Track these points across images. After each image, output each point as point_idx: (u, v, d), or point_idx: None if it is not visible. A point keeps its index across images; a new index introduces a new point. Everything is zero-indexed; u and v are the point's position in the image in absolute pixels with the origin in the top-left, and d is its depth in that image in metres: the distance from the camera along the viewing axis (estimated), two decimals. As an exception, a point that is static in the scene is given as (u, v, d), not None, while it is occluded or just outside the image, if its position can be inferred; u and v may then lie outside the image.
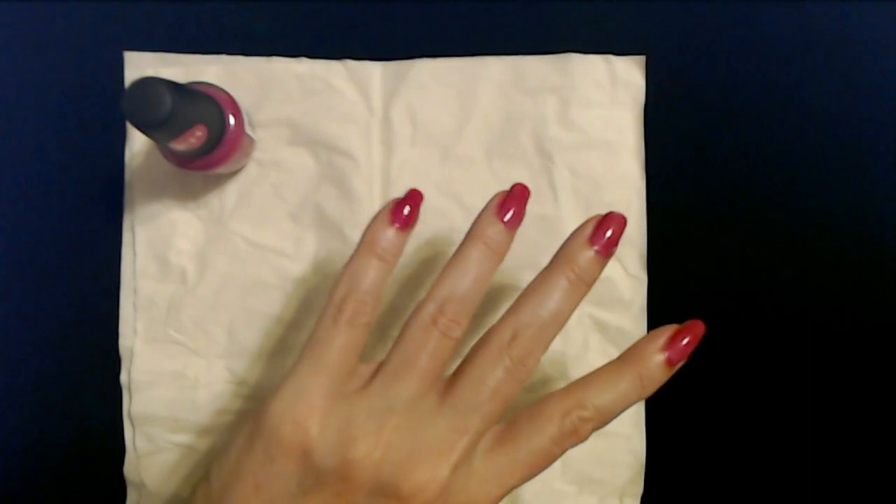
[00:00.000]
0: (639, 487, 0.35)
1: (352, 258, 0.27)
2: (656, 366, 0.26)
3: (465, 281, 0.27)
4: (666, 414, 0.36)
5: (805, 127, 0.36)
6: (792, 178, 0.36)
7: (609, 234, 0.27)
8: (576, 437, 0.26)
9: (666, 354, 0.27)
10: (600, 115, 0.36)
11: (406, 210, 0.28)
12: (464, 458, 0.25)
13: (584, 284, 0.27)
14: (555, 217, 0.35)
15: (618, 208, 0.35)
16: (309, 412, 0.25)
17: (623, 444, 0.35)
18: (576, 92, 0.35)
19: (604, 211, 0.35)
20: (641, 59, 0.36)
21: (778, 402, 0.36)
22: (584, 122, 0.35)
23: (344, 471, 0.24)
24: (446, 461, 0.25)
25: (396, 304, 0.36)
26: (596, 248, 0.27)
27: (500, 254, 0.27)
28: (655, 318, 0.36)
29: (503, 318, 0.27)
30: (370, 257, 0.27)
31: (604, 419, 0.26)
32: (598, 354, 0.35)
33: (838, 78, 0.36)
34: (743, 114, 0.36)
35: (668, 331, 0.27)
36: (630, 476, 0.35)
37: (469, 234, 0.28)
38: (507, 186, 0.35)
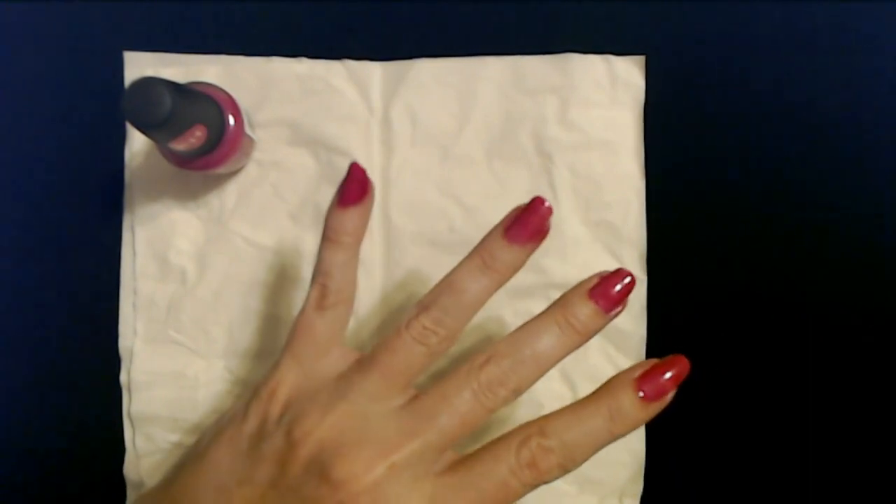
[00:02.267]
0: (638, 487, 0.35)
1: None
2: (629, 402, 0.25)
3: (451, 293, 0.26)
4: (666, 414, 0.36)
5: (805, 127, 0.36)
6: (792, 178, 0.36)
7: (615, 291, 0.25)
8: (535, 470, 0.24)
9: (640, 392, 0.25)
10: (600, 115, 0.36)
11: (351, 189, 0.28)
12: (407, 464, 0.24)
13: (577, 334, 0.25)
14: (555, 217, 0.35)
15: (618, 208, 0.35)
16: (279, 382, 0.27)
17: (622, 444, 0.35)
18: (576, 92, 0.35)
19: (603, 210, 0.35)
20: (641, 59, 0.36)
21: (778, 401, 0.36)
22: (584, 122, 0.35)
23: (288, 441, 0.25)
24: (385, 459, 0.24)
25: (395, 303, 0.36)
26: (595, 301, 0.25)
27: (499, 272, 0.26)
28: (655, 318, 0.36)
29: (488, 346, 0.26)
30: (325, 243, 0.28)
31: (570, 456, 0.24)
32: (598, 354, 0.35)
33: (838, 78, 0.36)
34: (743, 114, 0.36)
35: (645, 365, 0.25)
36: (630, 476, 0.35)
37: (473, 249, 0.27)
38: (507, 186, 0.36)
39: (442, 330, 0.26)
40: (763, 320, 0.36)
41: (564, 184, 0.35)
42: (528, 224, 0.26)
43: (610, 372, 0.35)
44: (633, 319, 0.35)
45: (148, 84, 0.26)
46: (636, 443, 0.35)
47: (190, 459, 0.28)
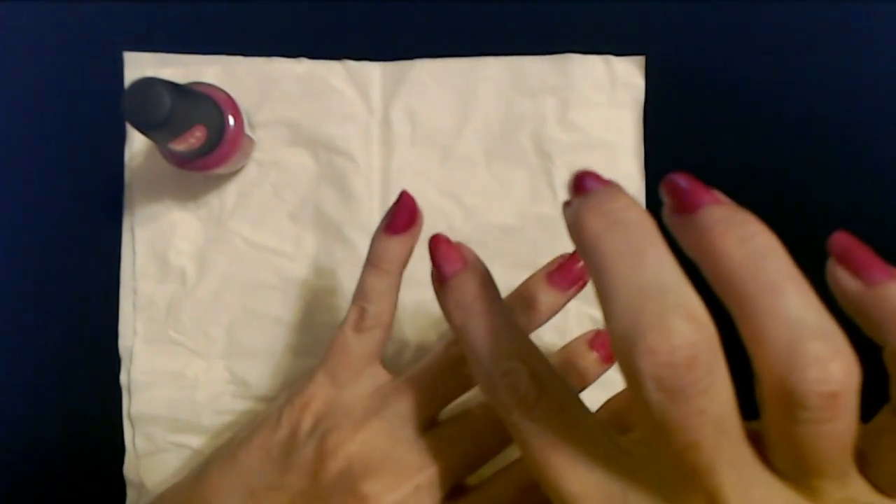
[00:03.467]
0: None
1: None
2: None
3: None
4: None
5: (805, 127, 0.36)
6: (792, 178, 0.36)
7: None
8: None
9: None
10: (600, 115, 0.36)
11: (399, 217, 0.29)
12: (429, 486, 0.25)
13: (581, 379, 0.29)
14: (554, 218, 0.35)
15: (617, 208, 0.35)
16: (312, 396, 0.27)
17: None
18: (575, 92, 0.35)
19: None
20: (641, 59, 0.36)
21: (778, 402, 0.36)
22: (584, 123, 0.35)
23: (319, 453, 0.26)
24: (411, 479, 0.25)
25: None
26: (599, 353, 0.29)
27: (543, 314, 0.28)
28: (655, 319, 0.36)
29: None
30: (368, 268, 0.28)
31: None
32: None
33: (838, 78, 0.36)
34: (742, 114, 0.36)
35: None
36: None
37: (515, 292, 0.29)
38: (506, 187, 0.36)
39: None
40: (763, 320, 0.36)
41: (564, 184, 0.35)
42: (571, 271, 0.28)
43: (610, 373, 0.35)
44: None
45: (148, 84, 0.26)
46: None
47: (220, 459, 0.28)
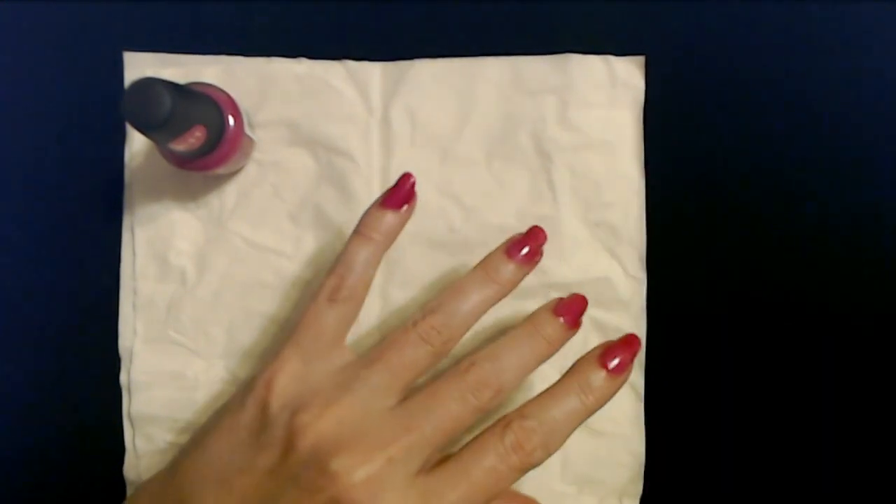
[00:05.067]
0: (638, 488, 0.35)
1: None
2: (597, 378, 0.27)
3: (458, 298, 0.28)
4: (666, 414, 0.36)
5: (805, 127, 0.36)
6: (792, 178, 0.36)
7: (573, 308, 0.29)
8: (521, 452, 0.26)
9: (605, 367, 0.28)
10: (600, 115, 0.36)
11: (396, 193, 0.29)
12: (401, 458, 0.25)
13: (548, 345, 0.28)
14: (554, 217, 0.35)
15: (617, 208, 0.35)
16: (277, 371, 0.27)
17: (622, 444, 0.35)
18: (575, 92, 0.35)
19: (603, 211, 0.35)
20: (641, 59, 0.36)
21: (778, 402, 0.36)
22: (584, 123, 0.35)
23: (289, 431, 0.26)
24: (382, 452, 0.25)
25: (394, 302, 0.36)
26: (563, 318, 0.29)
27: (503, 285, 0.29)
28: (655, 319, 0.36)
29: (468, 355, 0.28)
30: (356, 237, 0.29)
31: (550, 434, 0.26)
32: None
33: (838, 78, 0.36)
34: (742, 114, 0.36)
35: (605, 344, 0.28)
36: (630, 476, 0.35)
37: (479, 263, 0.29)
38: (506, 187, 0.36)
39: (447, 332, 0.28)
40: (763, 320, 0.36)
41: (564, 184, 0.35)
42: (527, 246, 0.29)
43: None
44: (632, 320, 0.35)
45: (148, 85, 0.26)
46: (636, 444, 0.35)
47: (189, 450, 0.28)
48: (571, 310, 0.29)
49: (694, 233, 0.36)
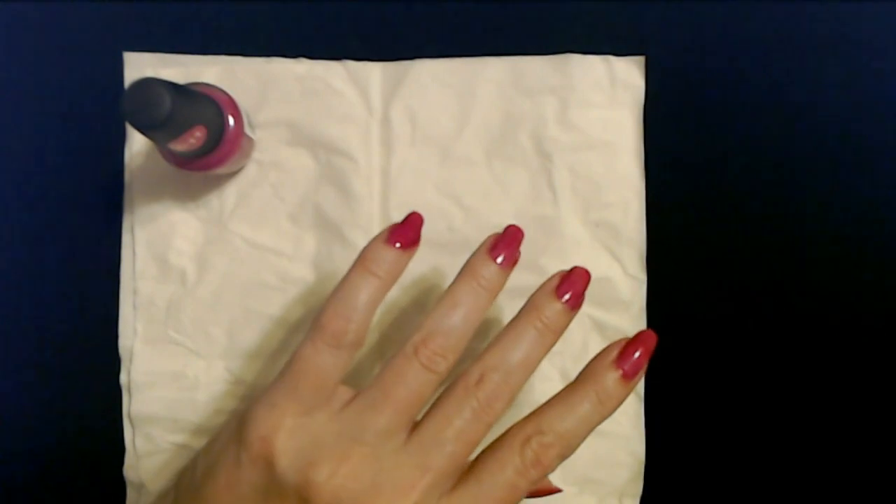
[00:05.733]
0: (638, 488, 0.35)
1: (344, 277, 0.27)
2: (612, 382, 0.26)
3: (453, 316, 0.26)
4: (666, 414, 0.36)
5: (805, 127, 0.36)
6: (792, 178, 0.36)
7: (574, 289, 0.27)
8: (539, 467, 0.25)
9: (620, 371, 0.26)
10: (600, 115, 0.36)
11: (406, 231, 0.28)
12: (424, 498, 0.25)
13: (552, 333, 0.27)
14: (554, 217, 0.35)
15: (617, 208, 0.35)
16: (276, 428, 0.25)
17: (622, 444, 0.35)
18: (575, 93, 0.35)
19: (603, 211, 0.35)
20: (641, 59, 0.36)
21: (778, 401, 0.36)
22: (584, 123, 0.35)
23: (304, 490, 0.24)
24: (405, 499, 0.24)
25: (395, 304, 0.36)
26: (564, 299, 0.27)
27: (492, 291, 0.27)
28: (655, 319, 0.36)
29: (472, 363, 0.27)
30: (362, 272, 0.27)
31: (568, 444, 0.26)
32: (597, 355, 0.36)
33: (838, 78, 0.36)
34: (742, 114, 0.36)
35: (618, 346, 0.27)
36: (629, 477, 0.35)
37: (462, 271, 0.28)
38: (506, 187, 0.36)
39: (450, 355, 0.26)
40: (763, 320, 0.36)
41: (564, 184, 0.35)
42: (507, 245, 0.28)
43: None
44: (632, 320, 0.35)
45: (147, 85, 0.26)
46: (636, 444, 0.35)
47: (186, 496, 0.27)
48: (575, 288, 0.27)
49: (694, 233, 0.36)
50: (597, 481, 0.35)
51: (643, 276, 0.36)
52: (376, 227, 0.36)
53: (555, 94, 0.35)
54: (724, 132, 0.36)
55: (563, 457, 0.26)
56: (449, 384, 0.27)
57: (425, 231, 0.35)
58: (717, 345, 0.36)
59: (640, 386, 0.35)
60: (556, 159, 0.35)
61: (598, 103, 0.36)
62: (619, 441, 0.35)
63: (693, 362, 0.36)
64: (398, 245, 0.27)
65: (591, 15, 0.36)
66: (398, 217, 0.35)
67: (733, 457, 0.36)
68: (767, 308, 0.36)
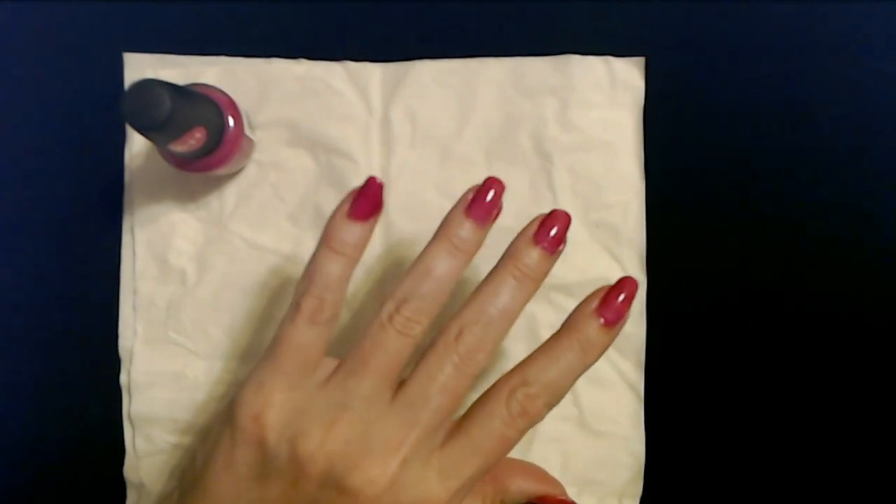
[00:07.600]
0: (638, 488, 0.35)
1: (312, 256, 0.28)
2: (595, 331, 0.26)
3: (426, 280, 0.27)
4: (665, 414, 0.36)
5: (805, 127, 0.36)
6: (792, 179, 0.36)
7: (554, 231, 0.27)
8: (527, 416, 0.26)
9: (602, 318, 0.26)
10: (600, 116, 0.36)
11: (364, 204, 0.28)
12: (414, 453, 0.25)
13: (531, 281, 0.27)
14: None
15: (617, 209, 0.35)
16: (265, 405, 0.26)
17: (622, 445, 0.35)
18: (575, 93, 0.35)
19: (603, 211, 0.35)
20: (641, 60, 0.36)
21: (778, 402, 0.36)
22: (584, 124, 0.35)
23: (296, 461, 0.25)
24: (395, 456, 0.25)
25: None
26: (542, 245, 0.27)
27: (467, 252, 0.27)
28: (655, 319, 0.36)
29: (451, 317, 0.27)
30: (327, 252, 0.27)
31: (553, 394, 0.26)
32: (597, 355, 0.36)
33: (838, 78, 0.36)
34: (742, 114, 0.36)
35: (599, 294, 0.27)
36: (629, 477, 0.35)
37: (436, 233, 0.28)
38: (506, 187, 0.35)
39: (424, 318, 0.27)
40: (763, 320, 0.36)
41: (564, 185, 0.35)
42: (486, 202, 0.27)
43: (610, 373, 0.36)
44: (632, 320, 0.35)
45: (147, 86, 0.26)
46: (636, 444, 0.35)
47: (188, 491, 0.27)
48: (553, 231, 0.27)
49: (694, 233, 0.36)
50: (597, 482, 0.35)
51: (643, 277, 0.36)
52: (375, 227, 0.36)
53: (555, 95, 0.35)
54: (723, 133, 0.36)
55: (550, 406, 0.26)
56: (430, 342, 0.27)
57: (425, 231, 0.35)
58: (717, 345, 0.36)
59: (640, 386, 0.35)
60: (555, 160, 0.35)
61: (598, 104, 0.36)
62: (619, 441, 0.35)
63: (693, 362, 0.36)
64: (359, 218, 0.27)
65: (591, 15, 0.36)
66: (398, 217, 0.36)
67: (733, 457, 0.36)
68: (767, 308, 0.36)
